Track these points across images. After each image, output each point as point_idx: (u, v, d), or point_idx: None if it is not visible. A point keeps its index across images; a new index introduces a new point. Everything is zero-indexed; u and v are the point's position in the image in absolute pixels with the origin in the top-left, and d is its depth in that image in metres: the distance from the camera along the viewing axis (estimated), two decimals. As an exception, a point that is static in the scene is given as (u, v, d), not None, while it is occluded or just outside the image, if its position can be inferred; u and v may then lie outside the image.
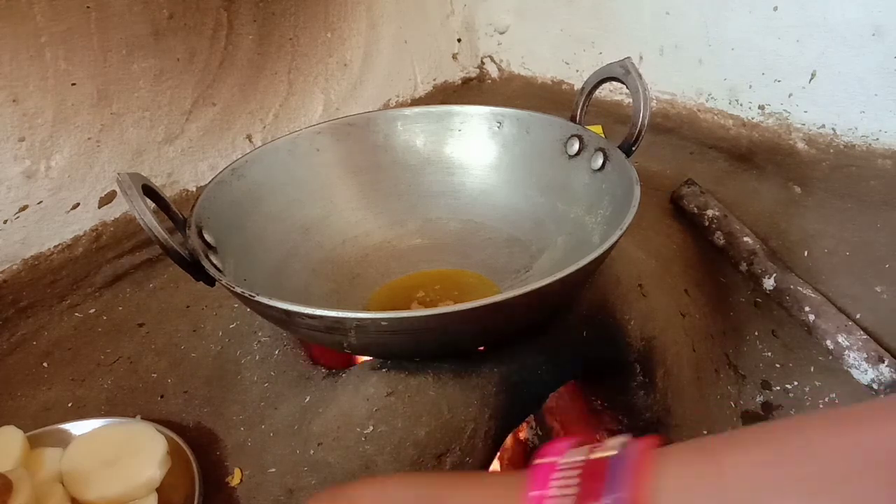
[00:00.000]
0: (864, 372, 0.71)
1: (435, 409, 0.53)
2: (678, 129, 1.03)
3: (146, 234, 0.51)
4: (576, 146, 0.68)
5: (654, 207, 0.89)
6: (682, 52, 0.98)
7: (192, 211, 0.58)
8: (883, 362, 0.70)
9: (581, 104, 0.68)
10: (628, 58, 0.63)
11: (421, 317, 0.46)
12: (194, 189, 0.87)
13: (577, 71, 1.12)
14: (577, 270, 0.48)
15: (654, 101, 1.04)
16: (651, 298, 0.71)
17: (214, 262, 0.55)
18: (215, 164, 0.89)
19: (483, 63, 1.20)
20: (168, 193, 0.85)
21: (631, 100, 0.63)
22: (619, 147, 0.63)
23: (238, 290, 0.49)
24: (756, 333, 0.83)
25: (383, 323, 0.46)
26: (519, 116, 0.73)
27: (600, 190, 0.63)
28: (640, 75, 0.62)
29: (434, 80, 1.16)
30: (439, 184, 0.76)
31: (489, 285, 0.66)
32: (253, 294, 0.48)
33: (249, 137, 0.92)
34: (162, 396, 0.62)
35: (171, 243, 0.51)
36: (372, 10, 1.03)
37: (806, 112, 0.89)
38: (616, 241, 0.51)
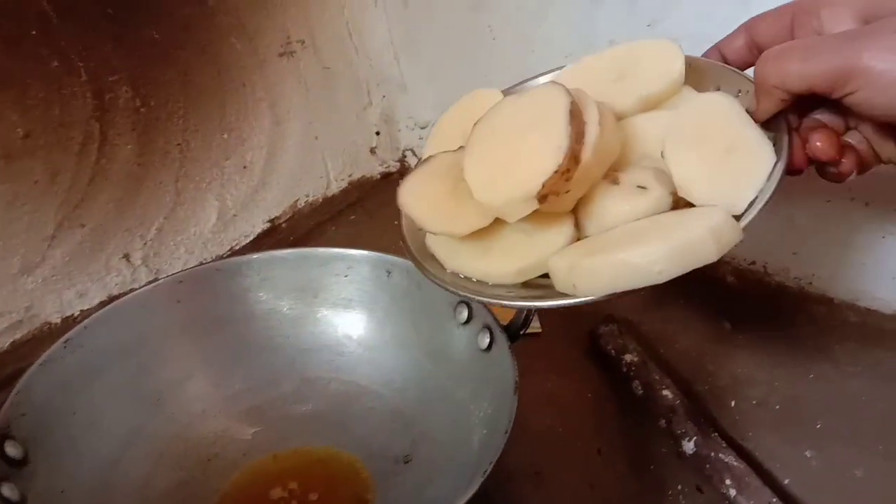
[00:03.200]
0: (790, 558, 0.64)
1: None
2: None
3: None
4: (464, 314, 0.60)
5: (574, 345, 0.81)
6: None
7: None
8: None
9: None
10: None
11: None
12: (59, 321, 0.78)
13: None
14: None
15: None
16: (549, 486, 0.62)
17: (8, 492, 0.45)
18: (85, 289, 0.79)
19: (404, 156, 1.12)
20: (27, 329, 0.76)
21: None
22: (505, 328, 0.54)
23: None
24: (679, 487, 0.76)
25: None
26: (409, 268, 0.65)
27: (484, 377, 0.55)
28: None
29: (350, 175, 1.07)
30: (321, 336, 0.67)
31: (363, 478, 0.58)
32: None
33: (127, 257, 0.82)
34: None
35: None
36: (276, 106, 0.94)
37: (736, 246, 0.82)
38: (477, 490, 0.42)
